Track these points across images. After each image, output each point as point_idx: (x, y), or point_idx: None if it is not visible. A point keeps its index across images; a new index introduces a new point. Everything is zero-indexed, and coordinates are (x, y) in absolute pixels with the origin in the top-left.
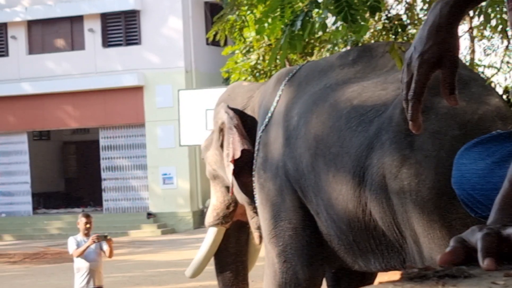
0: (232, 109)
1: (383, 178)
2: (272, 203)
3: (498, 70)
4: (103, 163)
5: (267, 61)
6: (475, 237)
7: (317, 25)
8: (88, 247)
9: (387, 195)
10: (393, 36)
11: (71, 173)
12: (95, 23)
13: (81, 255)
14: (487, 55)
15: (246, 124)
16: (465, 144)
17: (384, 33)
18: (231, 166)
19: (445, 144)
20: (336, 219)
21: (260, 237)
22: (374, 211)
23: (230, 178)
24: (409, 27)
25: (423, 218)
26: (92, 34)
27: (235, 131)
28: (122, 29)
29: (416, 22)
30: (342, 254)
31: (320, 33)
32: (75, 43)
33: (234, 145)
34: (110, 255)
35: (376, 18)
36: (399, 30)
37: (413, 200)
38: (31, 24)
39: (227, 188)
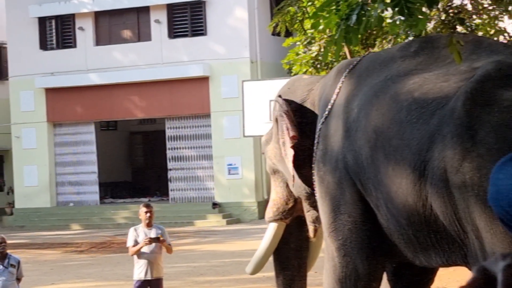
0: (289, 101)
1: (444, 172)
2: (331, 196)
3: None
4: (169, 153)
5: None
6: (497, 267)
7: (372, 19)
8: (142, 246)
9: (448, 189)
10: (451, 30)
11: (137, 163)
12: (161, 14)
13: (137, 252)
14: None
15: (306, 117)
16: (502, 158)
17: (442, 26)
18: (290, 152)
19: (508, 137)
20: (396, 213)
21: (315, 230)
22: (434, 206)
23: (290, 166)
24: (474, 17)
25: (485, 213)
26: (159, 25)
27: (285, 117)
28: (188, 20)
29: (481, 11)
30: (402, 248)
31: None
32: (142, 34)
33: (289, 131)
34: (169, 252)
35: (438, 8)
36: (457, 23)
37: (475, 194)
38: (98, 15)
39: (287, 183)
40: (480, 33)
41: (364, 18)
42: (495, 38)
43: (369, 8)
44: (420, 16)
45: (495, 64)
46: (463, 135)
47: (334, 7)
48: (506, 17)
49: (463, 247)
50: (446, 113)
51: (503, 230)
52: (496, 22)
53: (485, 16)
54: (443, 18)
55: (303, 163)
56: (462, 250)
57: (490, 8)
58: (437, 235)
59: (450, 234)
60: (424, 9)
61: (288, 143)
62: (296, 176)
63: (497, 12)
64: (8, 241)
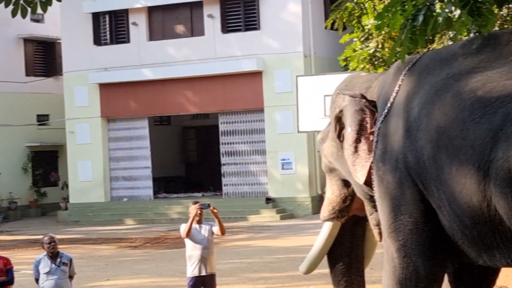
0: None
1: (509, 172)
2: (391, 196)
3: None
4: (222, 148)
5: (386, 49)
6: None
7: (440, 20)
8: (193, 219)
9: None
10: None
11: (191, 158)
12: (214, 8)
13: (189, 232)
14: None
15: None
16: None
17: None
18: (368, 147)
19: None
20: (459, 213)
21: (380, 234)
22: (499, 206)
23: (363, 161)
24: None
25: None
26: (212, 20)
27: (367, 111)
28: (241, 14)
29: None
30: (465, 248)
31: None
32: (195, 29)
33: (371, 124)
34: (222, 231)
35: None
36: None
37: None
38: (151, 10)
39: (344, 181)
40: None
41: (431, 19)
42: None
43: (436, 9)
44: (489, 16)
45: None
46: None
47: (399, 7)
48: None
49: None
50: (510, 112)
51: None
52: None
53: None
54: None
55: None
56: None
57: None
58: (502, 235)
59: None
60: (493, 8)
61: (368, 139)
62: (360, 172)
63: None
64: (63, 236)
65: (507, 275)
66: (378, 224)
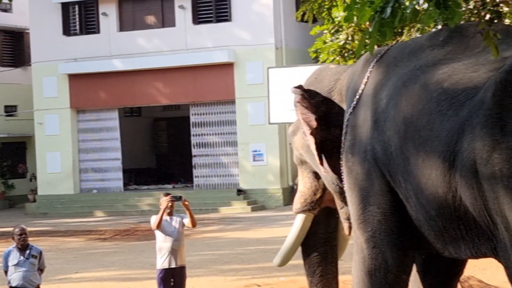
0: (311, 91)
1: (474, 163)
2: (360, 187)
3: None
4: (193, 140)
5: (356, 41)
6: None
7: (407, 12)
8: (164, 211)
9: (478, 181)
10: (489, 24)
11: (161, 150)
12: (185, 0)
13: (160, 224)
14: None
15: (332, 107)
16: None
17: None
18: (312, 140)
19: None
20: (425, 204)
21: (350, 227)
22: (464, 197)
23: (315, 154)
24: (501, 5)
25: None
26: (183, 11)
27: (298, 106)
28: (212, 6)
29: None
30: (431, 240)
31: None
32: (166, 20)
33: (305, 119)
34: (193, 224)
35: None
36: (495, 16)
37: (505, 186)
38: (122, 1)
39: (315, 173)
40: (507, 21)
41: (399, 11)
42: None
43: (404, 1)
44: (456, 9)
45: None
46: (492, 126)
47: (367, 0)
48: None
49: (493, 239)
50: (476, 104)
51: None
52: None
53: None
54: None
55: (331, 154)
56: (492, 242)
57: None
58: (467, 227)
59: (479, 226)
60: (460, 0)
61: (308, 132)
62: (327, 167)
63: None
64: (31, 229)
65: (475, 266)
66: (348, 218)
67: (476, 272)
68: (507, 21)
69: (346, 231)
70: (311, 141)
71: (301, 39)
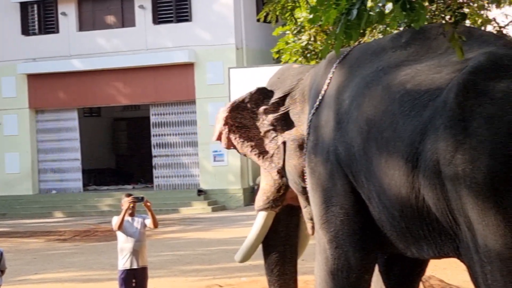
0: (268, 91)
1: (437, 163)
2: (323, 188)
3: None
4: (153, 140)
5: (318, 42)
6: None
7: (374, 14)
8: (126, 212)
9: (441, 181)
10: (454, 25)
11: (121, 150)
12: None
13: (121, 225)
14: None
15: (294, 107)
16: None
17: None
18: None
19: (500, 129)
20: (388, 205)
21: (313, 227)
22: (427, 197)
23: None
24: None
25: (477, 205)
26: (143, 11)
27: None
28: (172, 6)
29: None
30: (394, 240)
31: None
32: (126, 20)
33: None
34: (155, 225)
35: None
36: (460, 18)
37: (468, 186)
38: (81, 1)
39: (278, 171)
40: (467, 22)
41: (365, 13)
42: (483, 28)
43: (370, 3)
44: (421, 11)
45: (487, 55)
46: (455, 127)
47: (333, 1)
48: (493, 7)
49: (455, 239)
50: (439, 105)
51: (495, 222)
52: (483, 11)
53: (474, 5)
54: (434, 9)
55: (293, 154)
56: (454, 242)
57: None
58: (430, 227)
59: (442, 226)
60: (425, 3)
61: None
62: (288, 167)
63: (485, 2)
64: None
65: (436, 265)
66: (311, 218)
67: (436, 271)
68: (467, 23)
69: (309, 231)
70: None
71: (262, 39)
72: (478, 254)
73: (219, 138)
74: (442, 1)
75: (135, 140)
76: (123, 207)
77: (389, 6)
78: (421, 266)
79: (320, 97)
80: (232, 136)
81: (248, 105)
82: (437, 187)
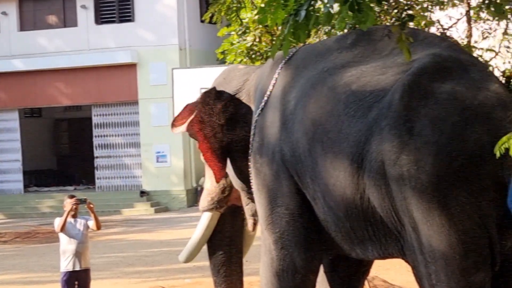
0: (220, 92)
1: (382, 164)
2: (268, 188)
3: (496, 54)
4: (95, 141)
5: (263, 43)
6: None
7: (321, 15)
8: (68, 214)
9: (386, 182)
10: (401, 27)
11: (63, 151)
12: None
13: (63, 227)
14: (485, 38)
15: (240, 108)
16: None
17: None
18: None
19: (445, 130)
20: (333, 206)
21: (254, 224)
22: (372, 198)
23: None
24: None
25: (422, 205)
26: (85, 11)
27: (189, 113)
28: (115, 5)
29: (412, 2)
30: (339, 241)
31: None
32: (68, 20)
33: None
34: (98, 226)
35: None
36: (407, 19)
37: (412, 186)
38: (22, 0)
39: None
40: (411, 24)
41: (313, 14)
42: (427, 30)
43: (318, 4)
44: (369, 12)
45: (431, 57)
46: (400, 128)
47: (281, 2)
48: (437, 9)
49: (400, 239)
50: (384, 106)
51: (439, 222)
52: (427, 13)
53: (417, 8)
54: (393, 15)
55: (238, 155)
56: (399, 242)
57: None
58: (374, 228)
59: (387, 227)
60: (372, 5)
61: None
62: (234, 168)
63: (427, 4)
64: None
65: (379, 266)
66: (253, 215)
67: (380, 272)
68: (411, 24)
69: (250, 228)
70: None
71: (205, 40)
72: (422, 254)
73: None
74: (387, 2)
75: (77, 141)
76: (66, 209)
77: (336, 6)
78: (366, 266)
79: (265, 98)
80: (196, 127)
81: (210, 101)
82: (382, 187)
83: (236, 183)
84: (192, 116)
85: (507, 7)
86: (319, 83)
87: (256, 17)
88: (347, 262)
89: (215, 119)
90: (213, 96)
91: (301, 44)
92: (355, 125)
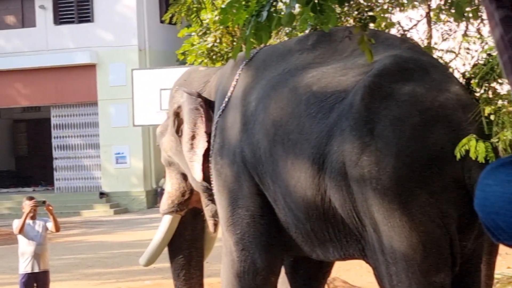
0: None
1: (343, 165)
2: (229, 190)
3: (456, 55)
4: (54, 142)
5: (224, 44)
6: None
7: (283, 16)
8: (27, 216)
9: (347, 183)
10: (363, 28)
11: (21, 152)
12: None
13: (22, 229)
14: (445, 39)
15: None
16: (492, 163)
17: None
18: (203, 146)
19: (405, 131)
20: (293, 207)
21: (215, 224)
22: (333, 199)
23: (198, 160)
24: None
25: (383, 206)
26: (43, 11)
27: (202, 111)
28: (74, 6)
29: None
30: (299, 242)
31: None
32: (26, 20)
33: (206, 123)
34: (57, 228)
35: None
36: (369, 20)
37: (373, 188)
38: None
39: (183, 175)
40: (371, 25)
41: (275, 15)
42: (387, 31)
43: (280, 5)
44: (331, 14)
45: (392, 58)
46: (361, 129)
47: (243, 3)
48: (397, 10)
49: (361, 240)
50: (345, 107)
51: (400, 223)
52: (387, 15)
53: (377, 9)
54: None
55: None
56: (360, 243)
57: (381, 0)
58: (335, 229)
59: (348, 228)
60: (335, 6)
61: (204, 137)
62: (197, 169)
63: (386, 6)
64: None
65: (339, 267)
66: (213, 216)
67: (340, 273)
68: (371, 26)
69: (211, 229)
70: (201, 148)
71: (165, 40)
72: (383, 255)
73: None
74: (348, 4)
75: (35, 142)
76: (24, 211)
77: (298, 7)
78: (327, 267)
79: (226, 99)
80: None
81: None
82: (343, 188)
83: (196, 184)
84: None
85: (467, 8)
86: (280, 84)
87: (217, 18)
88: (308, 264)
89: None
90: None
91: (262, 45)
92: (316, 126)
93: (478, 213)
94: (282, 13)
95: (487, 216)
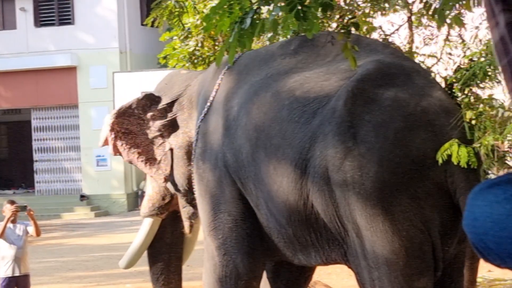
0: (156, 97)
1: (326, 170)
2: (211, 194)
3: (438, 60)
4: (35, 144)
5: (205, 48)
6: None
7: (267, 23)
8: (8, 220)
9: (330, 188)
10: (347, 37)
11: (2, 154)
12: (27, 2)
13: (3, 233)
14: (427, 44)
15: (182, 113)
16: (480, 184)
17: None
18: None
19: (388, 136)
20: (275, 212)
21: (191, 226)
22: (316, 204)
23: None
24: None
25: (365, 211)
26: (24, 13)
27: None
28: (54, 8)
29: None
30: (282, 247)
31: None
32: (6, 22)
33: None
34: (38, 233)
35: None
36: (352, 26)
37: (356, 192)
38: None
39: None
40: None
41: (258, 22)
42: (369, 36)
43: (263, 12)
44: (314, 20)
45: (375, 63)
46: (344, 134)
47: (227, 10)
48: (378, 14)
49: (343, 245)
50: (328, 112)
51: (383, 228)
52: (369, 19)
53: (359, 13)
54: (335, 21)
55: (181, 160)
56: (342, 248)
57: (363, 5)
58: (317, 234)
59: (330, 232)
60: (318, 13)
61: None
62: (176, 173)
63: (368, 10)
64: None
65: (321, 270)
66: (190, 217)
67: (322, 277)
68: (353, 30)
69: (187, 230)
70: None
71: (146, 43)
72: (366, 260)
73: (105, 143)
74: (330, 12)
75: (15, 144)
76: (5, 215)
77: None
78: (309, 272)
79: (208, 104)
80: (118, 143)
81: (135, 111)
82: (326, 193)
83: (174, 187)
84: (110, 135)
85: (449, 14)
86: (262, 89)
87: (199, 22)
88: (289, 268)
89: (148, 126)
90: (140, 105)
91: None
92: (299, 131)
93: (467, 234)
94: (266, 20)
95: (476, 237)
